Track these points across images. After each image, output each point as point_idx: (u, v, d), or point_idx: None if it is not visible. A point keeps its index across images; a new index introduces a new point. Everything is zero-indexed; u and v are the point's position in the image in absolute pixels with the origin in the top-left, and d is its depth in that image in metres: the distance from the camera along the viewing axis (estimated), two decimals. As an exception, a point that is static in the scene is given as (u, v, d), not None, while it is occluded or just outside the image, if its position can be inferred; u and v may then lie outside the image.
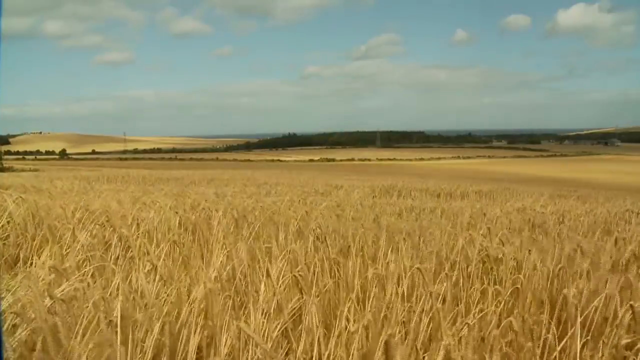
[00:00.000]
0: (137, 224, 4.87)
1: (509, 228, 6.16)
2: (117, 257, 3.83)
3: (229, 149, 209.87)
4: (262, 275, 3.16)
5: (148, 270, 3.24)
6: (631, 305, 3.02)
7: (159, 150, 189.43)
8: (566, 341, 2.70)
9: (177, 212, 5.51)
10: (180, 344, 2.52)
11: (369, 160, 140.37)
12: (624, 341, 2.77)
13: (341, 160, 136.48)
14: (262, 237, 4.75)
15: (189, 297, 2.81)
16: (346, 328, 2.63)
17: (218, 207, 6.62)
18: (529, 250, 3.95)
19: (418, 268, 3.19)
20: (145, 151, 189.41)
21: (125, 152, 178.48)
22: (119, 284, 2.74)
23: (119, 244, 4.01)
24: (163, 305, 2.74)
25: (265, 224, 5.32)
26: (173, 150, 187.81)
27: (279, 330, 2.74)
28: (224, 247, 3.96)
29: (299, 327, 2.81)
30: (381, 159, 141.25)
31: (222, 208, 6.38)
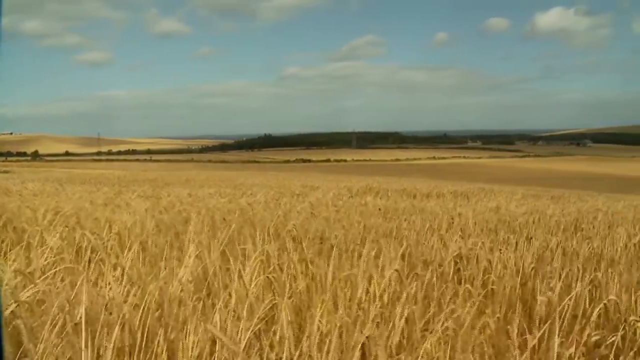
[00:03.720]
0: (110, 226, 4.81)
1: (482, 228, 6.20)
2: (89, 260, 3.77)
3: (205, 150, 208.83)
4: (235, 277, 3.13)
5: (117, 273, 3.20)
6: (604, 304, 3.06)
7: (133, 152, 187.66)
8: (539, 339, 2.71)
9: (151, 214, 5.46)
10: (148, 346, 2.49)
11: (345, 161, 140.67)
12: (593, 338, 2.81)
13: (317, 161, 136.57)
14: (237, 239, 4.72)
15: (158, 298, 2.78)
16: (319, 329, 2.61)
17: (192, 208, 6.57)
18: (500, 250, 3.98)
19: (395, 270, 3.19)
20: (119, 152, 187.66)
21: (99, 153, 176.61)
22: (85, 286, 2.69)
23: (90, 246, 3.95)
24: (131, 307, 2.70)
25: (240, 225, 5.29)
26: (148, 152, 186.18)
27: (251, 331, 2.72)
28: (197, 248, 3.92)
29: (272, 329, 2.79)
30: (357, 160, 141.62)
31: (196, 209, 6.34)
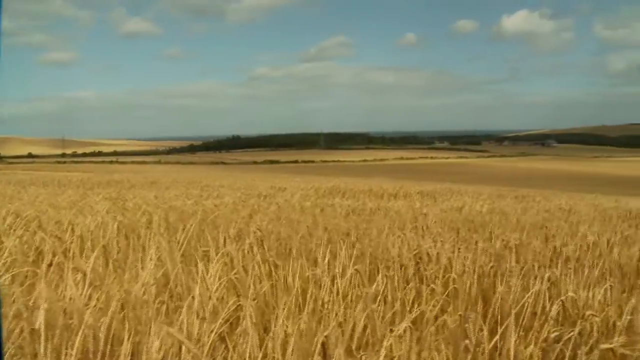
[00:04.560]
0: (72, 229, 4.74)
1: (447, 227, 6.27)
2: (50, 264, 3.72)
3: (173, 151, 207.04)
4: (198, 279, 3.12)
5: (78, 277, 3.16)
6: (562, 300, 3.13)
7: (99, 154, 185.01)
8: (499, 337, 2.75)
9: (114, 217, 5.40)
10: (110, 351, 2.47)
11: (313, 162, 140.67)
12: (552, 334, 2.87)
13: (285, 162, 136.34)
14: (201, 241, 4.70)
15: (119, 302, 2.75)
16: (283, 330, 2.62)
17: (157, 210, 6.52)
18: (459, 249, 4.03)
19: (356, 269, 3.21)
20: (85, 154, 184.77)
21: (64, 155, 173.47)
22: (45, 291, 2.66)
23: (51, 250, 3.90)
24: (93, 311, 2.67)
25: (205, 227, 5.27)
26: (114, 153, 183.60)
27: (214, 334, 2.71)
28: (159, 250, 3.90)
29: (236, 331, 2.79)
30: (325, 161, 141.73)
31: (161, 211, 6.30)
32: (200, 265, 3.23)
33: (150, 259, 3.59)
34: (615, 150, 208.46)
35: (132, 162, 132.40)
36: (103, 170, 50.84)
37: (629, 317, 2.97)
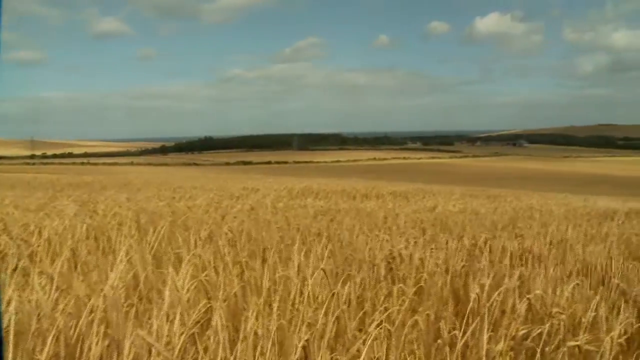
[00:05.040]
0: (39, 233, 4.67)
1: (419, 227, 6.30)
2: (15, 268, 3.66)
3: (145, 152, 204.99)
4: (168, 281, 3.09)
5: (45, 280, 3.12)
6: (528, 299, 3.17)
7: (70, 155, 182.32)
8: (470, 335, 2.77)
9: (83, 219, 5.34)
10: (79, 355, 2.44)
11: (286, 162, 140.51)
12: (521, 332, 2.90)
13: (258, 163, 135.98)
14: (172, 242, 4.66)
15: (88, 306, 2.72)
16: (254, 331, 2.61)
17: (128, 212, 6.46)
18: (431, 249, 4.05)
19: (322, 269, 3.21)
20: (55, 156, 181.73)
21: (33, 156, 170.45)
22: (11, 295, 2.62)
23: (16, 253, 3.84)
24: (60, 315, 2.64)
25: (177, 229, 5.23)
26: (85, 155, 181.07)
27: (185, 336, 2.69)
28: (129, 252, 3.86)
29: (207, 333, 2.77)
30: (298, 162, 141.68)
31: (132, 213, 6.24)
32: (171, 267, 3.21)
33: (120, 261, 3.56)
34: (584, 150, 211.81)
35: (104, 164, 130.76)
36: (74, 172, 50.09)
37: (593, 314, 3.01)
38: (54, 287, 2.96)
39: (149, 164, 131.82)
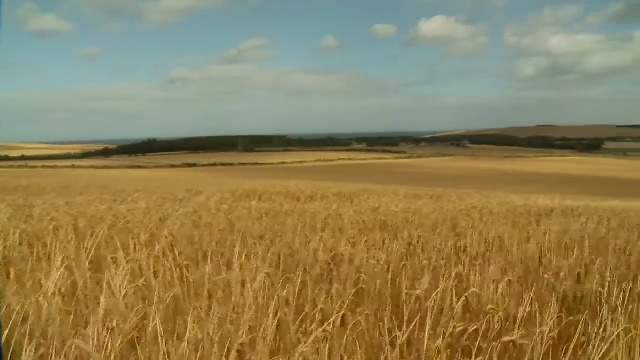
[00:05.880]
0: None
1: (360, 228, 6.36)
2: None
3: (86, 155, 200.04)
4: (105, 286, 3.04)
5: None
6: (466, 297, 3.24)
7: (6, 158, 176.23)
8: (410, 333, 2.82)
9: (17, 225, 5.19)
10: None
11: (232, 164, 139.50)
12: (458, 329, 2.97)
13: (203, 165, 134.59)
14: (111, 247, 4.59)
15: (23, 314, 2.66)
16: (194, 335, 2.60)
17: (66, 217, 6.32)
18: (369, 249, 4.10)
19: (267, 273, 3.22)
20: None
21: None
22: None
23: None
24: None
25: (117, 233, 5.15)
26: (22, 158, 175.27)
27: (122, 343, 2.66)
28: (67, 259, 3.78)
29: (145, 339, 2.74)
30: (244, 164, 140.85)
31: (71, 218, 6.11)
32: (108, 273, 3.17)
33: (57, 268, 3.48)
34: (524, 150, 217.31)
35: (43, 167, 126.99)
36: (10, 175, 48.50)
37: (526, 309, 3.10)
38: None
39: (92, 167, 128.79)
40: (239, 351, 2.33)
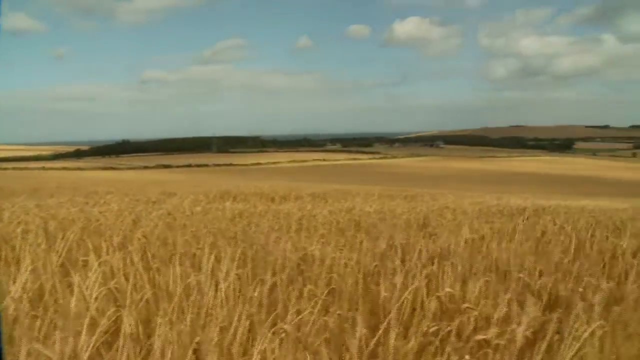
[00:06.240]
0: None
1: (335, 228, 6.35)
2: None
3: (58, 156, 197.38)
4: (75, 290, 2.99)
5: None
6: (438, 296, 3.24)
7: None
8: (382, 334, 2.80)
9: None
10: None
11: (207, 165, 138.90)
12: (431, 329, 2.96)
13: (178, 167, 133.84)
14: (82, 249, 4.51)
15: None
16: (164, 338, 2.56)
17: (37, 219, 6.22)
18: (341, 250, 4.09)
19: (237, 274, 3.19)
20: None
21: None
22: None
23: None
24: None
25: (88, 235, 5.07)
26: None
27: (92, 347, 2.61)
28: (35, 262, 3.71)
29: (116, 343, 2.70)
30: (218, 165, 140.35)
31: (40, 220, 6.02)
32: (78, 276, 3.11)
33: (25, 271, 3.41)
34: (497, 150, 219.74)
35: (14, 169, 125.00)
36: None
37: (503, 309, 3.11)
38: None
39: (63, 169, 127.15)
40: (195, 351, 2.31)
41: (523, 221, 7.82)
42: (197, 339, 2.26)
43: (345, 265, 3.75)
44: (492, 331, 2.82)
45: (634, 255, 4.86)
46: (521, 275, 3.65)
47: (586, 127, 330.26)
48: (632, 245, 5.45)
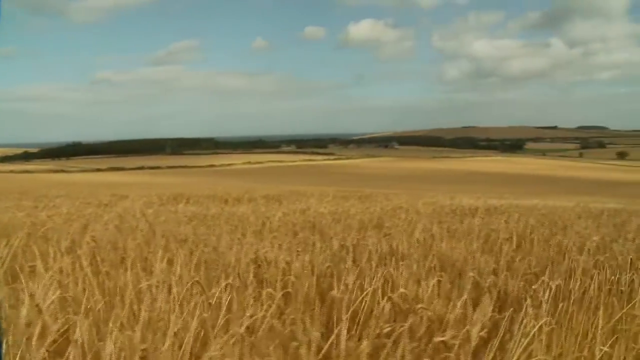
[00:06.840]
0: None
1: (289, 230, 6.34)
2: None
3: (5, 159, 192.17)
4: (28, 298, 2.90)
5: None
6: (390, 297, 3.25)
7: None
8: (335, 336, 2.80)
9: None
10: None
11: (160, 167, 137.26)
12: (385, 330, 2.98)
13: (130, 169, 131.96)
14: (27, 255, 4.39)
15: None
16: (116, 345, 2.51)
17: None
18: (298, 252, 4.08)
19: (195, 279, 3.16)
20: None
21: None
22: None
23: None
24: None
25: (34, 241, 4.94)
26: None
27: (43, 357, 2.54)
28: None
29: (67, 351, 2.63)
30: (172, 167, 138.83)
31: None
32: (24, 283, 3.03)
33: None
34: (450, 150, 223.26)
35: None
36: None
37: (457, 310, 3.14)
38: None
39: (10, 172, 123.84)
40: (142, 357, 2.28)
41: (475, 220, 7.93)
42: (144, 345, 2.21)
43: (302, 267, 3.74)
44: (449, 333, 2.84)
45: (580, 252, 4.98)
46: (472, 274, 3.70)
47: (536, 127, 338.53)
48: (578, 242, 5.60)
